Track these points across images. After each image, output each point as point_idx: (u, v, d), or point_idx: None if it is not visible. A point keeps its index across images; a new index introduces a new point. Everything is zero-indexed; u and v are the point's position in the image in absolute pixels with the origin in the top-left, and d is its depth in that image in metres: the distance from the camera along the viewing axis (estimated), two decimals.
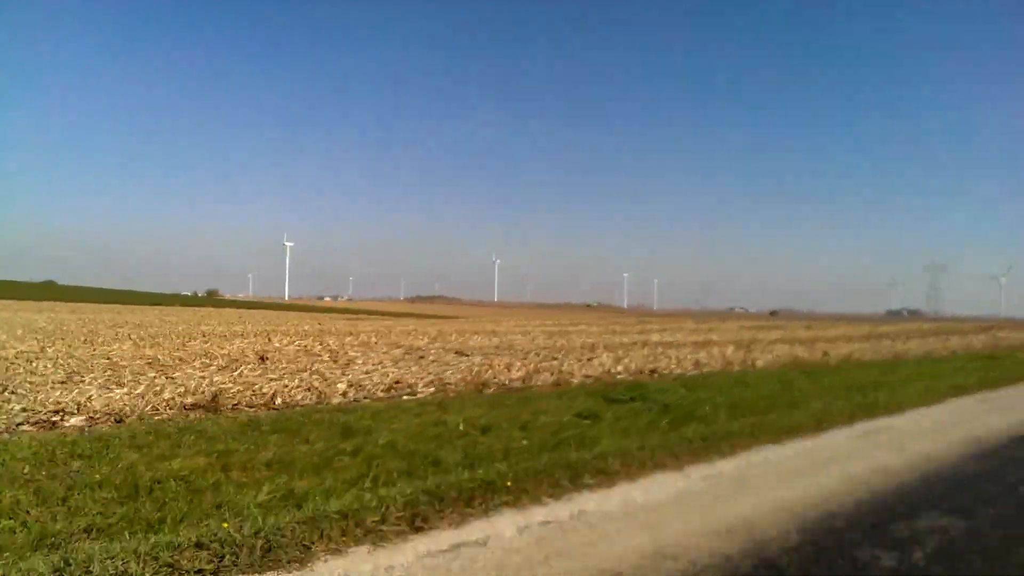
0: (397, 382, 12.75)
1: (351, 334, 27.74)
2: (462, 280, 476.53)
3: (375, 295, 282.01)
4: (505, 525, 5.72)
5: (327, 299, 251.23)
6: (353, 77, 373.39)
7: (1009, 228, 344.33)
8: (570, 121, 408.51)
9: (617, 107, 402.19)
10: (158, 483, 6.27)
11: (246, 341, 22.30)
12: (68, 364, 14.30)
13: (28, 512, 5.45)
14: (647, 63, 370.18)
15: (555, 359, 18.08)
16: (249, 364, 15.14)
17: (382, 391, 11.90)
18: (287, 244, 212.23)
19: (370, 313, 78.85)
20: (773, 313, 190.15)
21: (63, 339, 20.58)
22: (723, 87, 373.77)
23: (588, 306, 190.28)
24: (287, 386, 11.60)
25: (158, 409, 9.63)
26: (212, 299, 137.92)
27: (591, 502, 6.41)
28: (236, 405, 10.16)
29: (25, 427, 8.42)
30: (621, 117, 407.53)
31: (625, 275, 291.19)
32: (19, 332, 22.66)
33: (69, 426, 8.55)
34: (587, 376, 14.95)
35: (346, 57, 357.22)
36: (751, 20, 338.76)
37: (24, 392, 10.35)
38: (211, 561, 4.70)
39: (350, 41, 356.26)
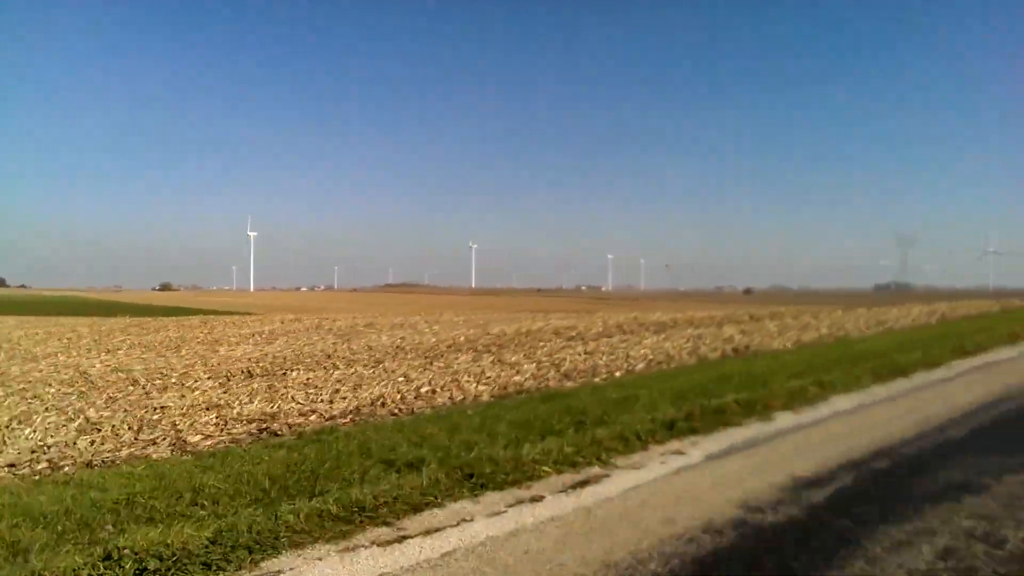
0: None
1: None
2: (450, 267, 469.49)
3: (362, 284, 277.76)
4: None
5: (303, 289, 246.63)
6: (328, 66, 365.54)
7: (993, 201, 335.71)
8: (552, 105, 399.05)
9: (602, 90, 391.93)
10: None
11: None
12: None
13: None
14: (627, 48, 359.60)
15: None
16: None
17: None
18: (251, 234, 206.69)
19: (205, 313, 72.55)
20: (747, 291, 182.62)
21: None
22: (705, 73, 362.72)
23: (539, 291, 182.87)
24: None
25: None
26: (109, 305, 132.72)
27: None
28: None
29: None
30: (606, 100, 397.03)
31: (610, 256, 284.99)
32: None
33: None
34: None
35: (320, 47, 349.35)
36: (727, 5, 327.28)
37: None
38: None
39: (323, 29, 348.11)
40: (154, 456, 7.56)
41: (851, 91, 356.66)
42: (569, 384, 12.28)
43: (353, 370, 14.49)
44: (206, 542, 4.85)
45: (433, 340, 20.87)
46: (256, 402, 10.55)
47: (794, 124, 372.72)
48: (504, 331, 23.04)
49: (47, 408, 10.25)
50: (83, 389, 12.09)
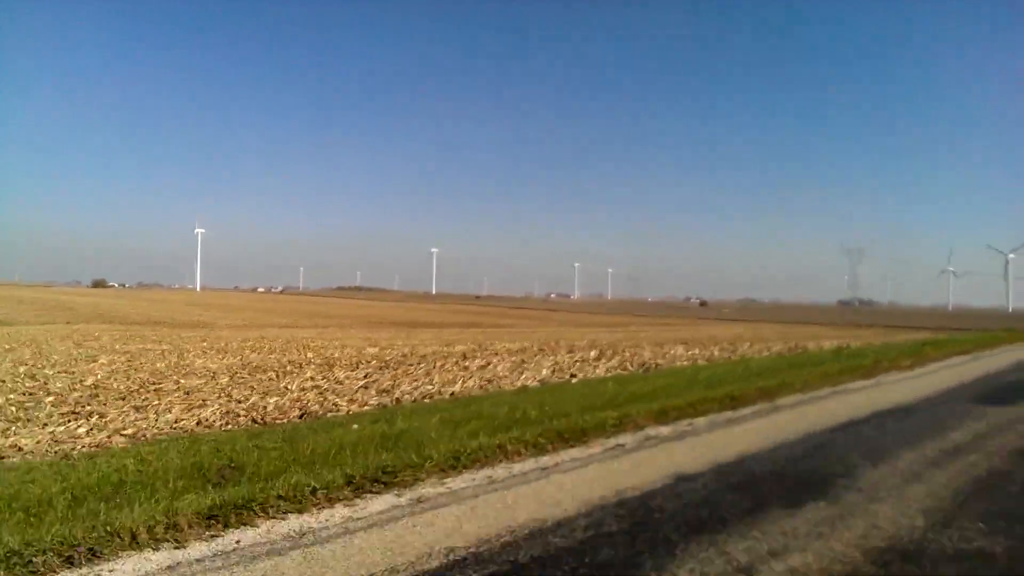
0: None
1: None
2: (420, 271, 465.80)
3: (328, 285, 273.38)
4: None
5: (260, 289, 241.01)
6: (297, 65, 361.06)
7: (959, 220, 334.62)
8: (521, 112, 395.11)
9: (573, 100, 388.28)
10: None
11: None
12: None
13: None
14: (597, 59, 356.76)
15: None
16: None
17: None
18: (198, 231, 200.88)
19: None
20: (703, 304, 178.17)
21: None
22: (678, 84, 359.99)
23: (477, 298, 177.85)
24: None
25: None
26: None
27: None
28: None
29: None
30: (578, 110, 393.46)
31: (576, 265, 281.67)
32: None
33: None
34: None
35: (292, 49, 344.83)
36: (689, 20, 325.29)
37: None
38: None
39: (296, 31, 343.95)
40: None
41: (831, 100, 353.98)
42: None
43: None
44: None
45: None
46: None
47: (765, 135, 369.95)
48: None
49: None
50: None
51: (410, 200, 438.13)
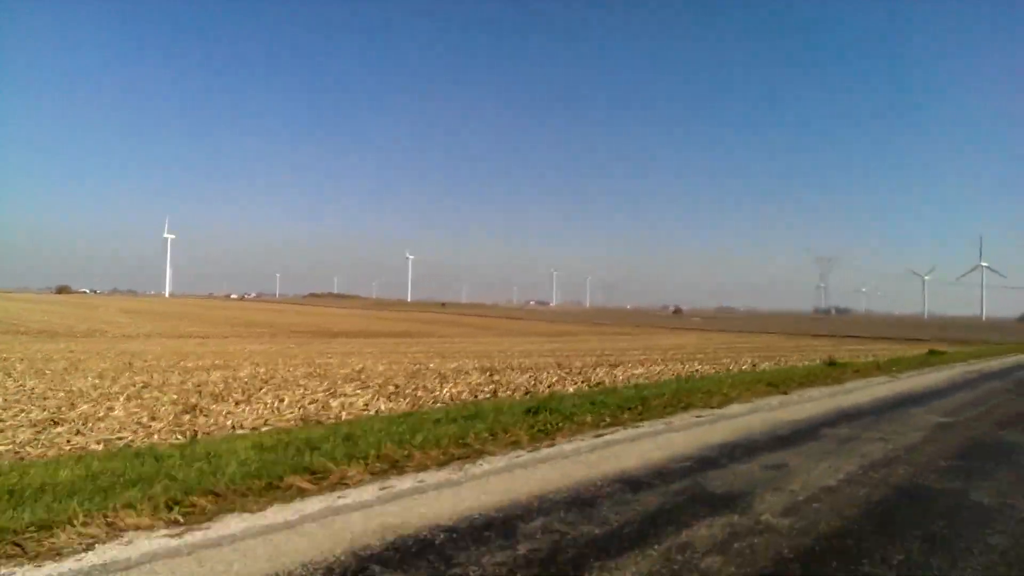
0: None
1: None
2: (397, 277, 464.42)
3: (303, 291, 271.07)
4: None
5: (233, 296, 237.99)
6: (276, 69, 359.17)
7: (936, 231, 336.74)
8: (510, 120, 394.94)
9: (553, 102, 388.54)
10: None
11: None
12: None
13: None
14: (577, 72, 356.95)
15: None
16: None
17: None
18: (168, 236, 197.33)
19: None
20: (677, 311, 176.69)
21: None
22: (659, 96, 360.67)
23: (443, 304, 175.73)
24: None
25: None
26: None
27: None
28: None
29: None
30: (558, 112, 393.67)
31: (554, 273, 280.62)
32: None
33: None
34: None
35: (268, 50, 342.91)
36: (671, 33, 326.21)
37: None
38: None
39: (284, 33, 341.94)
40: None
41: (812, 109, 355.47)
42: None
43: None
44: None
45: None
46: None
47: (764, 139, 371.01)
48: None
49: None
50: None
51: (391, 205, 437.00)
